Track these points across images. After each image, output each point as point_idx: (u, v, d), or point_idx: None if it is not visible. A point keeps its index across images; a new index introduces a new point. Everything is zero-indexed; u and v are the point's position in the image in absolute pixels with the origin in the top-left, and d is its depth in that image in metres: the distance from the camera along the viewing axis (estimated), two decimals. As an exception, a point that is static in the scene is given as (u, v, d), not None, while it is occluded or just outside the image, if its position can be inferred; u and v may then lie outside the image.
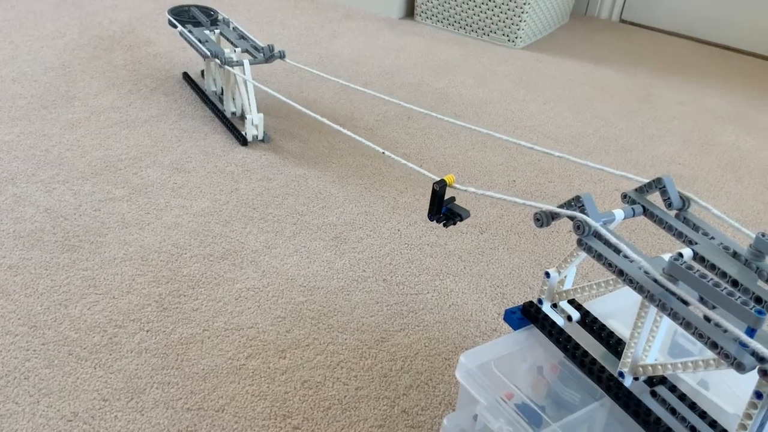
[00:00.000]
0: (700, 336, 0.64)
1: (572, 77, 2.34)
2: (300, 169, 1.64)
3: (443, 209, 0.89)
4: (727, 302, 0.62)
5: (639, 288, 0.69)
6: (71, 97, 1.85)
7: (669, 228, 0.79)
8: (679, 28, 2.88)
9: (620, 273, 0.71)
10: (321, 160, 1.68)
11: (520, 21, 2.50)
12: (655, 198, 0.87)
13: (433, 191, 0.88)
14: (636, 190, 0.83)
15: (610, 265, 0.72)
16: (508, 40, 2.56)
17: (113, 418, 0.98)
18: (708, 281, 0.63)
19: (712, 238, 0.77)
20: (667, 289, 0.67)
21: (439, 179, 0.88)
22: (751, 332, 0.61)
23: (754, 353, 0.61)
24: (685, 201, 0.80)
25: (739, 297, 0.61)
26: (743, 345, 0.62)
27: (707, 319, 0.65)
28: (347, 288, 1.27)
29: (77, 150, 1.61)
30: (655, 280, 0.68)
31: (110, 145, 1.65)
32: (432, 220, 0.90)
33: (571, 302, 0.89)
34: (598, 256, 0.74)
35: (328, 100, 1.99)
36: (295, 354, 1.11)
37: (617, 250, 0.73)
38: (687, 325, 0.65)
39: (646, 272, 0.69)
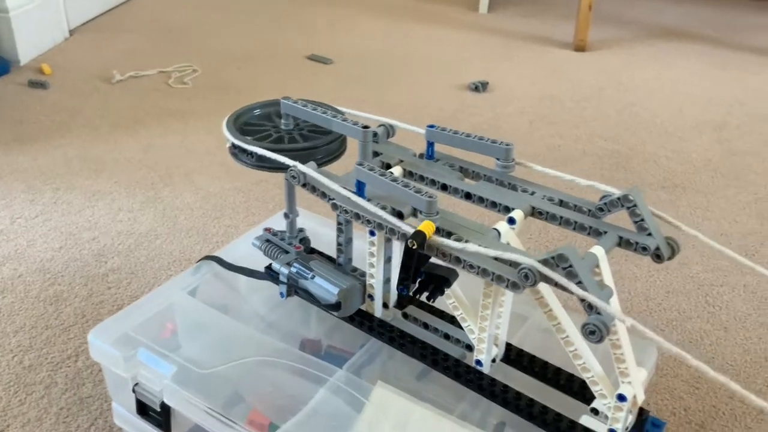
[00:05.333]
0: (379, 227, 0.66)
1: None
2: None
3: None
4: (395, 189, 0.64)
5: (341, 209, 0.68)
6: None
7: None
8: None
9: (323, 195, 0.70)
10: None
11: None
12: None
13: (407, 252, 0.60)
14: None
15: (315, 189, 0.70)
16: None
17: None
18: (376, 173, 0.64)
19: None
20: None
21: (413, 230, 0.61)
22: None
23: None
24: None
25: (401, 181, 0.64)
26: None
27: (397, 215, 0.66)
28: None
29: None
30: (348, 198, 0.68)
31: None
32: (405, 294, 0.63)
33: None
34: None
35: None
36: None
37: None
38: (367, 222, 0.67)
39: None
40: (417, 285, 0.63)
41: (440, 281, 0.63)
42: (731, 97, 1.95)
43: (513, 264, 0.58)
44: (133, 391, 0.77)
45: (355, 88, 1.95)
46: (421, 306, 0.80)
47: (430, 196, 0.62)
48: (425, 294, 0.63)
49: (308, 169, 0.69)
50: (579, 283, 0.55)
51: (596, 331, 0.54)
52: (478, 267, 0.59)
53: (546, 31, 2.45)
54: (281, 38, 2.33)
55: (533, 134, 1.71)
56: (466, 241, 0.60)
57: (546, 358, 0.74)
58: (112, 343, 0.77)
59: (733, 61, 2.22)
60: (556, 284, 0.55)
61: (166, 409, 0.76)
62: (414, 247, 0.60)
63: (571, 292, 0.55)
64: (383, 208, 0.65)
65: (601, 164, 1.57)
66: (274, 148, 0.73)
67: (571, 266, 0.55)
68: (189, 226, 1.31)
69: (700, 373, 1.00)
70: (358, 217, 0.67)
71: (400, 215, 0.66)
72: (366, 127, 0.71)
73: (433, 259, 0.63)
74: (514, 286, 0.58)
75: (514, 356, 0.74)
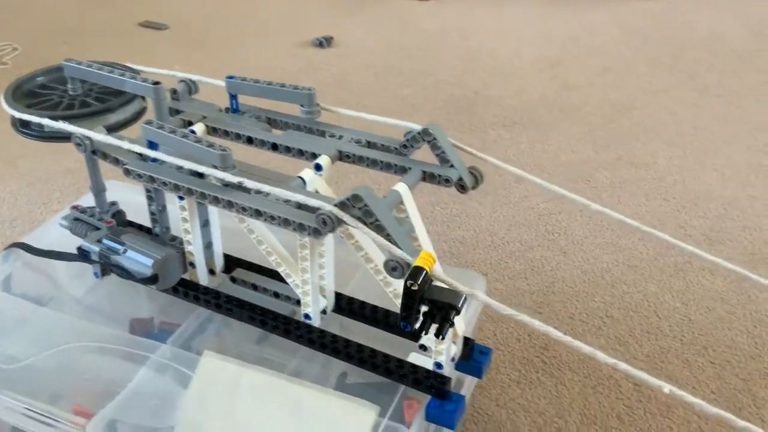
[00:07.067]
0: (176, 187, 0.62)
1: None
2: None
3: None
4: (186, 146, 0.61)
5: (134, 173, 0.63)
6: None
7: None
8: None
9: (116, 161, 0.65)
10: None
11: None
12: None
13: (408, 291, 0.52)
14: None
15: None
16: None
17: None
18: (165, 131, 0.61)
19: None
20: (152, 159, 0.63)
21: (411, 265, 0.52)
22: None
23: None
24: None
25: (193, 137, 0.61)
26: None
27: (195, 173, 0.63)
28: None
29: None
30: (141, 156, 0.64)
31: None
32: (407, 330, 0.54)
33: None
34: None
35: None
36: None
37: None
38: (163, 184, 0.63)
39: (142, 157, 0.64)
40: (421, 318, 0.54)
41: (447, 309, 0.53)
42: (566, 34, 2.02)
43: (313, 210, 0.56)
44: (-62, 400, 0.70)
45: (194, 53, 1.86)
46: (250, 267, 0.77)
47: (223, 150, 0.58)
48: (433, 329, 0.54)
49: (94, 134, 0.64)
50: (376, 221, 0.54)
51: (397, 267, 0.53)
52: (279, 217, 0.57)
53: (389, -17, 2.44)
54: (110, 7, 2.18)
55: (380, 86, 1.70)
56: (266, 195, 0.58)
57: (383, 304, 0.74)
58: None
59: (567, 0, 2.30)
60: (353, 226, 0.54)
61: (-26, 415, 0.69)
62: (415, 289, 0.51)
63: (367, 233, 0.54)
64: (180, 168, 0.61)
65: (447, 110, 1.59)
66: (54, 115, 0.67)
67: (366, 206, 0.53)
68: (13, 216, 1.21)
69: (543, 299, 1.04)
70: (152, 180, 0.62)
71: (200, 175, 0.62)
72: (157, 83, 0.66)
73: (435, 282, 0.54)
74: (315, 233, 0.56)
75: (345, 305, 0.73)
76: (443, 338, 0.56)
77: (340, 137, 0.67)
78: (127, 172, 0.63)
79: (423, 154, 0.67)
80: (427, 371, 0.63)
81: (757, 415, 0.86)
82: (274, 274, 0.75)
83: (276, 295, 0.73)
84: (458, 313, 0.53)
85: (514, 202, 1.25)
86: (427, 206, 1.24)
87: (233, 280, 0.75)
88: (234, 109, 0.72)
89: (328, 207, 0.54)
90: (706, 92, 1.68)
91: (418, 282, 0.51)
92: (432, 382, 0.62)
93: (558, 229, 1.19)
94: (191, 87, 0.74)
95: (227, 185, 0.60)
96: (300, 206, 0.57)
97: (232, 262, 0.77)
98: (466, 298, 0.53)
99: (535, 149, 1.43)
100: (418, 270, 0.51)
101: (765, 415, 0.86)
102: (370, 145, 0.66)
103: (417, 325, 0.54)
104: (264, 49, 1.90)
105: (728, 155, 1.40)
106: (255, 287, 0.74)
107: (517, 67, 1.81)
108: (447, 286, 0.52)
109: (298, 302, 0.71)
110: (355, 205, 0.54)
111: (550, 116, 1.56)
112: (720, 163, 1.38)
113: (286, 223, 0.57)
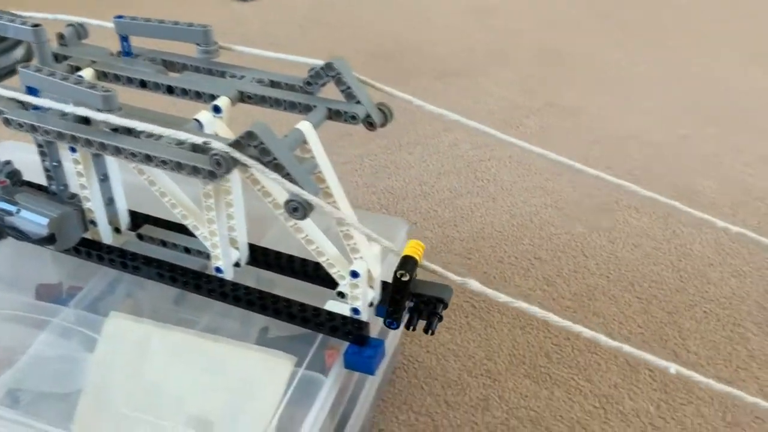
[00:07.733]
0: (60, 135, 0.58)
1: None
2: None
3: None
4: (66, 88, 0.56)
5: (14, 123, 0.58)
6: None
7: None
8: None
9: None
10: None
11: None
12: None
13: (397, 283, 0.51)
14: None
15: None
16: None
17: None
18: (43, 74, 0.56)
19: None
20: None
21: (400, 256, 0.50)
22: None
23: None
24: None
25: (73, 78, 0.56)
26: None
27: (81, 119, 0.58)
28: None
29: None
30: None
31: None
32: (393, 327, 0.54)
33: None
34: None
35: None
36: None
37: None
38: (45, 132, 0.58)
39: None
40: (407, 314, 0.53)
41: (434, 304, 0.53)
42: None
43: (207, 151, 0.52)
44: None
45: (107, 9, 1.76)
46: (159, 224, 0.73)
47: (106, 91, 0.54)
48: (427, 326, 0.54)
49: (-36, 82, 0.58)
50: (274, 160, 0.50)
51: (298, 207, 0.50)
52: (171, 161, 0.53)
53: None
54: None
55: (305, 39, 1.65)
56: (158, 138, 0.54)
57: (300, 254, 0.71)
58: None
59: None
60: (249, 165, 0.51)
61: None
62: (407, 280, 0.50)
63: (265, 172, 0.51)
64: (64, 114, 0.57)
65: (375, 61, 1.55)
66: None
67: (262, 143, 0.50)
68: None
69: (472, 245, 1.03)
70: (35, 129, 0.57)
71: (86, 121, 0.57)
72: (37, 25, 0.60)
73: (420, 275, 0.53)
74: (210, 175, 0.52)
75: (260, 257, 0.70)
76: (432, 333, 0.56)
77: (242, 77, 0.63)
78: (7, 122, 0.58)
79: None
80: (344, 318, 0.61)
81: (682, 346, 0.87)
82: (184, 230, 0.71)
83: (187, 250, 0.69)
84: (446, 306, 0.53)
85: (443, 150, 1.23)
86: (356, 158, 1.21)
87: (140, 237, 0.71)
88: (126, 53, 0.67)
89: (221, 146, 0.50)
90: (641, 42, 1.68)
91: (408, 270, 0.50)
92: (349, 329, 0.60)
93: (487, 175, 1.17)
94: (80, 31, 0.68)
95: (115, 130, 0.55)
96: (195, 149, 0.54)
97: (140, 220, 0.73)
98: (452, 291, 0.53)
99: (464, 97, 1.41)
100: (408, 259, 0.50)
101: (690, 346, 0.87)
102: (273, 84, 0.63)
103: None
104: (184, 3, 1.81)
105: (660, 98, 1.41)
106: (164, 243, 0.70)
107: (448, 17, 1.78)
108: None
109: (209, 256, 0.68)
110: (250, 143, 0.50)
111: (480, 65, 1.54)
112: (650, 106, 1.38)
113: (179, 167, 0.53)
